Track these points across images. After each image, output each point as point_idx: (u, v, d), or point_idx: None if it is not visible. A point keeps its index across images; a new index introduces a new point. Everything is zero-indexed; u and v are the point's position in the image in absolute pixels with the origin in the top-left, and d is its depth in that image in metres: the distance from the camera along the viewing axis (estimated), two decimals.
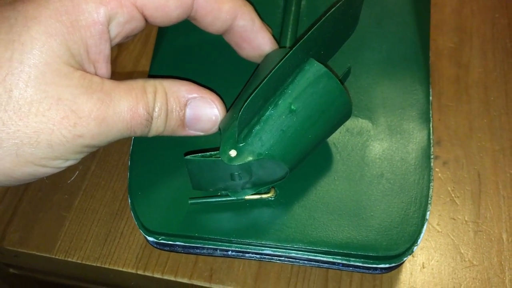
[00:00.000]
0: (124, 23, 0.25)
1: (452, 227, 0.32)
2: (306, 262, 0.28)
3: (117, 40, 0.26)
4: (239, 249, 0.28)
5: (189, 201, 0.28)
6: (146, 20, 0.26)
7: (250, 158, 0.25)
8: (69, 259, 0.32)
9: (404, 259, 0.27)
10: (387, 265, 0.27)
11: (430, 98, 0.31)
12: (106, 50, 0.25)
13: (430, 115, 0.31)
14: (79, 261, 0.31)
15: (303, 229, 0.27)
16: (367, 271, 0.28)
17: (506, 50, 0.39)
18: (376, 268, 0.28)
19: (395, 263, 0.27)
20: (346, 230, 0.27)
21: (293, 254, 0.27)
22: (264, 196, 0.28)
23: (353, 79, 0.32)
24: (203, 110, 0.26)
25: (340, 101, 0.26)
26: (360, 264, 0.27)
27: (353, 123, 0.30)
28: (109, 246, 0.32)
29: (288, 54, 0.24)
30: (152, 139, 0.28)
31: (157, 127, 0.26)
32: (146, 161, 0.30)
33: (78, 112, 0.23)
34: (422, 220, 0.27)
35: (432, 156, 0.29)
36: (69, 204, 0.33)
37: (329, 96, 0.26)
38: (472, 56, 0.39)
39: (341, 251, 0.27)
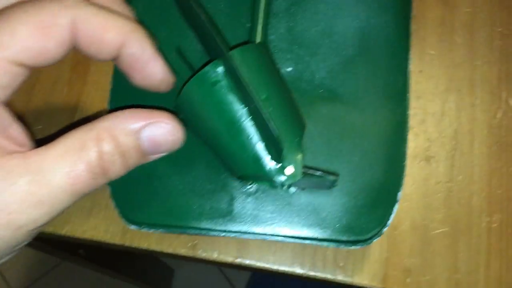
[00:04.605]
0: (7, 84, 0.22)
1: (426, 191, 0.33)
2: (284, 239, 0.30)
3: (10, 97, 0.23)
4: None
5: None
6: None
7: (300, 156, 0.25)
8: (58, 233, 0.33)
9: (374, 240, 0.29)
10: (358, 247, 0.29)
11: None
12: (5, 114, 0.23)
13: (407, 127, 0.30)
14: (68, 234, 0.33)
15: (278, 219, 0.29)
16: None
17: None
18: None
19: (365, 245, 0.29)
20: (318, 218, 0.29)
21: (269, 238, 0.29)
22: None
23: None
24: (158, 133, 0.24)
25: (269, 56, 0.28)
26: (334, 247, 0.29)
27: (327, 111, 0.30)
28: (95, 219, 0.33)
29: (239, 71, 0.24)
30: None
31: (117, 172, 0.24)
32: None
33: (6, 208, 0.21)
34: (392, 206, 0.29)
35: (405, 163, 0.30)
36: None
37: (263, 61, 0.27)
38: None
39: (314, 237, 0.28)
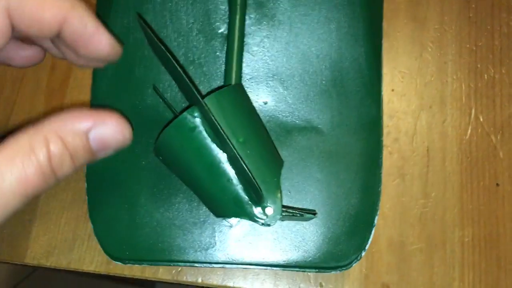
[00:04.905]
0: None
1: (401, 208, 0.34)
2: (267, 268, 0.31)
3: None
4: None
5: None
6: None
7: (279, 195, 0.26)
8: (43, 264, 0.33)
9: (353, 265, 0.30)
10: (338, 272, 0.30)
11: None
12: None
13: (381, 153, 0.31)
14: (53, 266, 0.33)
15: (260, 249, 0.29)
16: None
17: None
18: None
19: (345, 269, 0.30)
20: (299, 246, 0.29)
21: (253, 267, 0.30)
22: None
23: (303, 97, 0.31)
24: (106, 133, 0.24)
25: (245, 97, 0.28)
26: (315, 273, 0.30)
27: (304, 141, 0.31)
28: (79, 250, 0.33)
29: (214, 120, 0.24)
30: (106, 164, 0.27)
31: (66, 172, 0.24)
32: (102, 187, 0.30)
33: None
34: (369, 231, 0.30)
35: (380, 189, 0.30)
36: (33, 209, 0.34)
37: (239, 103, 0.27)
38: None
39: (296, 265, 0.29)
